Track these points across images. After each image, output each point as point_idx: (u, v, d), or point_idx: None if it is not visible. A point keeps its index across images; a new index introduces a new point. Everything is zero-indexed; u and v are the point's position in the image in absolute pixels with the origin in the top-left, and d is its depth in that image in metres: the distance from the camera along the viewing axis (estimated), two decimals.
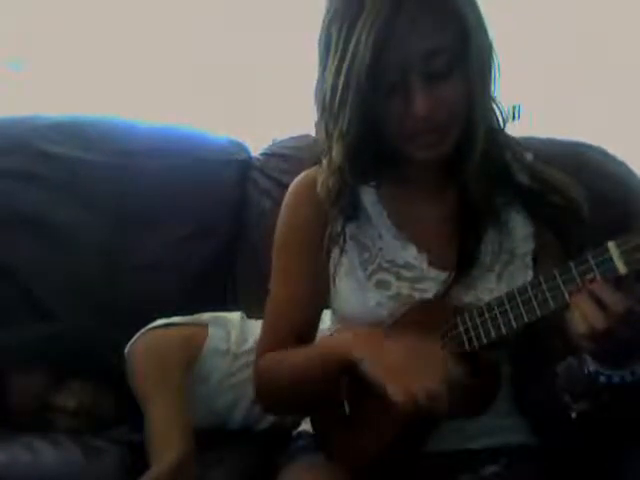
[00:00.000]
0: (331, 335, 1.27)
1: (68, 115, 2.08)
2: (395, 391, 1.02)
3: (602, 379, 1.06)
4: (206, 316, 1.71)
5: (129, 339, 1.66)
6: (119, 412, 1.66)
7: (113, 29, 2.44)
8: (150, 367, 1.60)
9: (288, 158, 1.97)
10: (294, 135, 2.05)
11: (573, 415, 1.13)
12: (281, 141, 2.07)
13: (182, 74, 2.47)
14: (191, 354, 1.64)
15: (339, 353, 1.13)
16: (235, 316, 1.72)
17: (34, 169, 1.96)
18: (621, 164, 1.75)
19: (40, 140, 1.98)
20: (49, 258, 1.91)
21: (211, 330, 1.67)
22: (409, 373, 1.04)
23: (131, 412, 1.59)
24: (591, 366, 1.07)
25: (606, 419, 1.18)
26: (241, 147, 2.08)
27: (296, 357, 1.22)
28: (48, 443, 1.55)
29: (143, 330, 1.67)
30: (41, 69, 2.50)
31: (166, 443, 1.50)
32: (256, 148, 2.09)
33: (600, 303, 0.99)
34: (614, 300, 0.98)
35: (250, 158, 2.06)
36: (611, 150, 1.77)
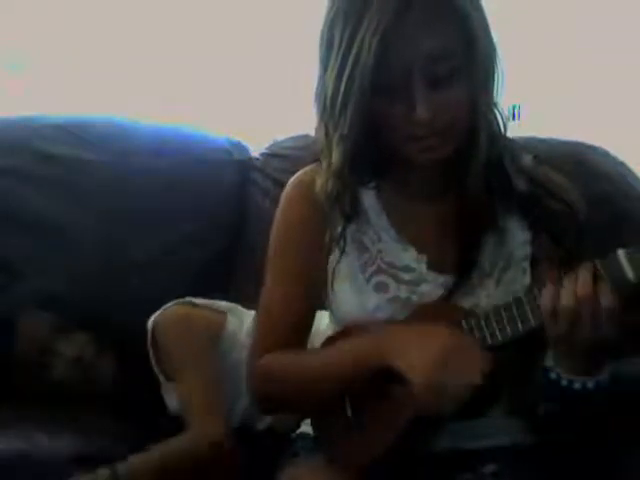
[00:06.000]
0: (346, 337, 1.25)
1: (68, 115, 2.09)
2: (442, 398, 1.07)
3: (564, 382, 1.08)
4: (223, 304, 1.73)
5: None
6: (117, 377, 1.66)
7: (113, 29, 2.44)
8: (183, 339, 1.63)
9: (288, 158, 1.97)
10: (294, 135, 2.05)
11: (539, 412, 1.15)
12: (281, 141, 2.08)
13: (182, 74, 2.47)
14: (214, 336, 1.67)
15: (371, 358, 1.14)
16: (247, 310, 1.73)
17: (34, 169, 1.96)
18: (621, 164, 1.75)
19: (40, 140, 1.98)
20: (49, 258, 1.91)
21: (230, 318, 1.70)
22: (451, 370, 1.06)
23: (130, 382, 1.62)
24: (547, 362, 1.09)
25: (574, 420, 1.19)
26: (241, 147, 2.09)
27: (309, 361, 1.22)
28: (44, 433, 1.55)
29: (166, 306, 1.69)
30: (41, 69, 2.50)
31: (207, 414, 1.52)
32: (256, 148, 2.09)
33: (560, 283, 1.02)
34: (568, 289, 1.01)
35: (250, 158, 2.06)
36: (611, 150, 1.77)
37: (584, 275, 1.01)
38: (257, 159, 2.05)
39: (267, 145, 2.09)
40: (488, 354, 1.09)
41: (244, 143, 2.10)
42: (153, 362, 1.66)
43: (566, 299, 1.02)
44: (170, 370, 1.63)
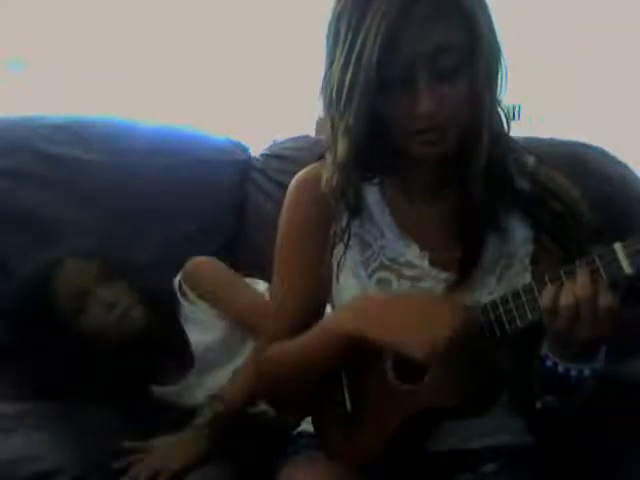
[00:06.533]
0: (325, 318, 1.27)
1: (68, 115, 2.08)
2: (411, 348, 1.06)
3: (560, 370, 1.09)
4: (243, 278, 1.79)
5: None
6: (145, 333, 1.69)
7: (113, 29, 2.44)
8: (221, 271, 1.74)
9: (288, 159, 1.97)
10: (294, 136, 2.05)
11: (538, 405, 1.16)
12: (281, 142, 2.07)
13: (182, 74, 2.47)
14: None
15: (339, 333, 1.15)
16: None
17: (34, 169, 1.96)
18: (621, 164, 1.75)
19: (40, 140, 1.98)
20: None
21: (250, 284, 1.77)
22: (420, 327, 1.07)
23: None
24: (543, 350, 1.10)
25: (572, 413, 1.20)
26: (241, 147, 2.09)
27: (295, 347, 1.22)
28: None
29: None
30: (41, 69, 2.50)
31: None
32: (256, 149, 2.09)
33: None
34: (567, 289, 1.02)
35: (250, 159, 2.06)
36: (611, 150, 1.77)
37: (583, 274, 1.01)
38: (257, 159, 2.05)
39: (267, 146, 2.09)
40: (460, 308, 1.09)
41: (244, 143, 2.10)
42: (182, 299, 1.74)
43: (565, 299, 1.02)
44: (209, 293, 1.71)
